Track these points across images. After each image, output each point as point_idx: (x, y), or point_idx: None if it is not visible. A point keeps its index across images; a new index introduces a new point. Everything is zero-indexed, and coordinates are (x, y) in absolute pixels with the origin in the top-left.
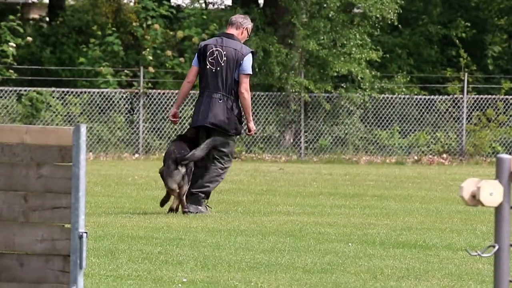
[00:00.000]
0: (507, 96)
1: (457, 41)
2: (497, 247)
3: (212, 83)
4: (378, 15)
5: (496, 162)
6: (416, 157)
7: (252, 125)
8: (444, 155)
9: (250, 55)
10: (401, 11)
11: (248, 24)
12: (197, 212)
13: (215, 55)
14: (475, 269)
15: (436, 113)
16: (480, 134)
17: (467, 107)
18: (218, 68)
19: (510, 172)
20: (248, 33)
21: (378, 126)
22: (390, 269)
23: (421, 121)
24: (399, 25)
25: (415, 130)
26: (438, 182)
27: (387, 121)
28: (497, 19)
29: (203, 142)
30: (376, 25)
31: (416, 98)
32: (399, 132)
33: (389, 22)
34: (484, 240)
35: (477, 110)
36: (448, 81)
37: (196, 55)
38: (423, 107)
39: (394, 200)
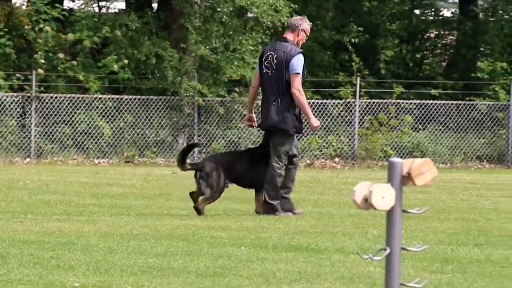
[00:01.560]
0: (398, 100)
1: (349, 45)
2: (388, 250)
3: (268, 86)
4: (270, 22)
5: (388, 165)
6: (308, 161)
7: (313, 121)
8: (336, 159)
9: (299, 55)
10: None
11: (304, 25)
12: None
13: (269, 59)
14: (366, 272)
15: (328, 117)
16: (372, 138)
17: (359, 111)
18: (272, 71)
19: (402, 176)
20: (306, 34)
21: None
22: (283, 273)
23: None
24: None
25: (308, 134)
26: (330, 186)
27: None
28: (389, 24)
29: (271, 146)
30: (267, 31)
31: (309, 102)
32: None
33: (282, 27)
34: (375, 243)
35: (369, 114)
36: (341, 85)
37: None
38: (315, 111)
39: None
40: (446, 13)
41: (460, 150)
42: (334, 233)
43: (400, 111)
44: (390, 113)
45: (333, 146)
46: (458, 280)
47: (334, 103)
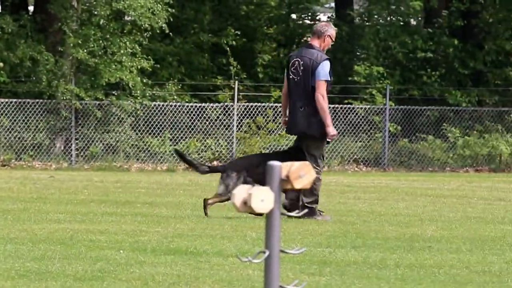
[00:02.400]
0: (276, 104)
1: (227, 49)
2: (267, 253)
3: (295, 92)
4: (147, 25)
5: (266, 169)
6: (187, 165)
7: (330, 129)
8: (215, 163)
9: (326, 62)
10: (171, 20)
11: (329, 31)
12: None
13: (296, 65)
14: (245, 275)
15: (207, 120)
16: (250, 142)
17: (237, 114)
18: (298, 78)
19: (281, 179)
20: (332, 39)
21: (150, 134)
22: (162, 276)
23: (192, 129)
24: (170, 33)
25: (186, 138)
26: (208, 189)
27: (158, 128)
28: (266, 28)
29: (306, 152)
30: (146, 34)
31: (187, 106)
32: (170, 140)
33: (160, 30)
34: (254, 246)
35: (247, 117)
36: (219, 89)
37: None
38: (194, 115)
39: (165, 207)
40: (323, 17)
41: (338, 153)
42: (213, 236)
43: (278, 114)
44: (268, 117)
45: (211, 149)
46: (336, 282)
47: (212, 107)
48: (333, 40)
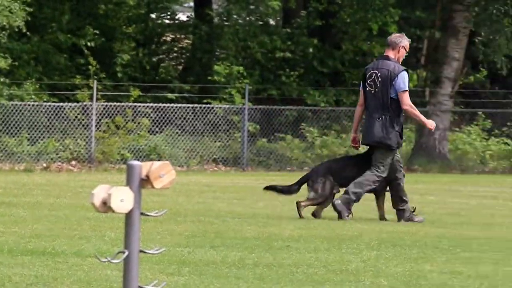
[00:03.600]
0: (135, 104)
1: (85, 49)
2: (126, 253)
3: (372, 103)
4: (5, 23)
5: (126, 168)
6: (45, 164)
7: (428, 124)
8: (73, 162)
9: (404, 72)
10: (29, 19)
11: (404, 42)
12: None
13: (373, 77)
14: (104, 275)
15: (65, 120)
16: (109, 141)
17: (96, 114)
18: (376, 89)
19: (141, 179)
20: (406, 50)
21: (7, 133)
22: (19, 277)
23: (51, 128)
24: (28, 32)
25: (44, 137)
26: (67, 189)
27: (15, 128)
28: (125, 27)
29: (373, 157)
30: (4, 32)
31: (45, 105)
32: (28, 139)
33: (17, 29)
34: (113, 246)
35: (106, 117)
36: (78, 88)
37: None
38: (52, 114)
39: (22, 208)
40: (182, 16)
41: (197, 153)
42: (71, 237)
43: (137, 114)
44: (127, 116)
45: (70, 149)
46: (195, 282)
47: (71, 106)
48: (407, 51)
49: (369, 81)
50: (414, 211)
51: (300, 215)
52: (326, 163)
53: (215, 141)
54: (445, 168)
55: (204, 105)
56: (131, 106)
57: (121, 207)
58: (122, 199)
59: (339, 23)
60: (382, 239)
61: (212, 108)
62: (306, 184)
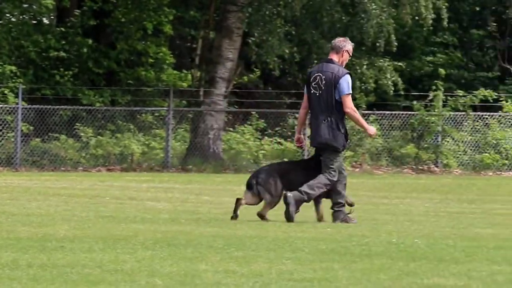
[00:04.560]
0: None
1: None
2: None
3: (317, 106)
4: None
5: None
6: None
7: (369, 130)
8: None
9: (347, 76)
10: None
11: (347, 46)
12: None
13: (317, 80)
14: None
15: None
16: None
17: None
18: (320, 92)
19: None
20: (349, 54)
21: None
22: None
23: None
24: None
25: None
26: None
27: None
28: None
29: (323, 162)
30: None
31: None
32: None
33: None
34: None
35: None
36: None
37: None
38: None
39: None
40: None
41: None
42: None
43: None
44: None
45: None
46: None
47: None
48: (350, 55)
49: (314, 84)
50: (349, 213)
51: (265, 219)
52: (270, 166)
53: None
54: (219, 168)
55: None
56: None
57: None
58: None
59: (114, 23)
60: (157, 239)
61: None
62: (249, 188)
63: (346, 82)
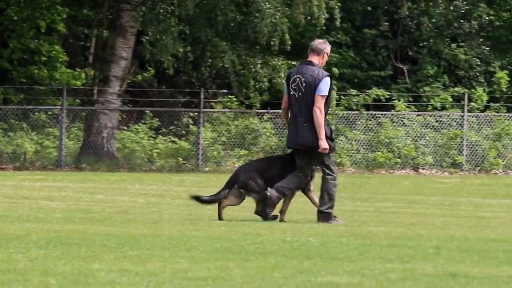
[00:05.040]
0: None
1: None
2: None
3: (296, 107)
4: None
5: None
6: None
7: (322, 142)
8: None
9: (327, 78)
10: None
11: (327, 48)
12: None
13: (297, 82)
14: None
15: None
16: None
17: None
18: (300, 94)
19: None
20: (328, 56)
21: None
22: None
23: None
24: None
25: None
26: None
27: None
28: None
29: (300, 161)
30: None
31: None
32: None
33: None
34: None
35: None
36: None
37: (285, 84)
38: None
39: None
40: None
41: None
42: None
43: None
44: None
45: None
46: None
47: None
48: (329, 56)
49: (293, 86)
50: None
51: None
52: (249, 164)
53: None
54: (113, 167)
55: None
56: None
57: None
58: None
59: (7, 21)
60: (50, 238)
61: None
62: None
63: (324, 84)
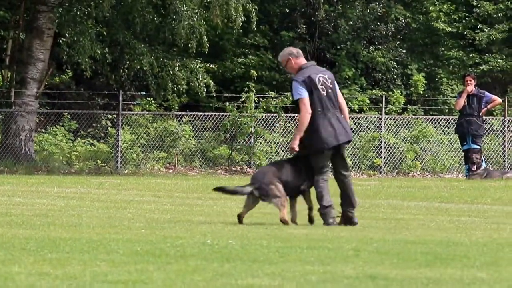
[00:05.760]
0: None
1: None
2: None
3: (330, 104)
4: None
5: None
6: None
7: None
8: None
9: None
10: None
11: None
12: None
13: (321, 80)
14: None
15: None
16: None
17: None
18: (330, 90)
19: None
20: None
21: None
22: None
23: None
24: None
25: None
26: None
27: None
28: None
29: (325, 162)
30: None
31: None
32: None
33: None
34: None
35: None
36: None
37: (301, 88)
38: None
39: None
40: None
41: None
42: None
43: None
44: None
45: None
46: None
47: None
48: None
49: (320, 86)
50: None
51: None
52: (269, 167)
53: None
54: (31, 169)
55: None
56: None
57: None
58: None
59: None
60: None
61: None
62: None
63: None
